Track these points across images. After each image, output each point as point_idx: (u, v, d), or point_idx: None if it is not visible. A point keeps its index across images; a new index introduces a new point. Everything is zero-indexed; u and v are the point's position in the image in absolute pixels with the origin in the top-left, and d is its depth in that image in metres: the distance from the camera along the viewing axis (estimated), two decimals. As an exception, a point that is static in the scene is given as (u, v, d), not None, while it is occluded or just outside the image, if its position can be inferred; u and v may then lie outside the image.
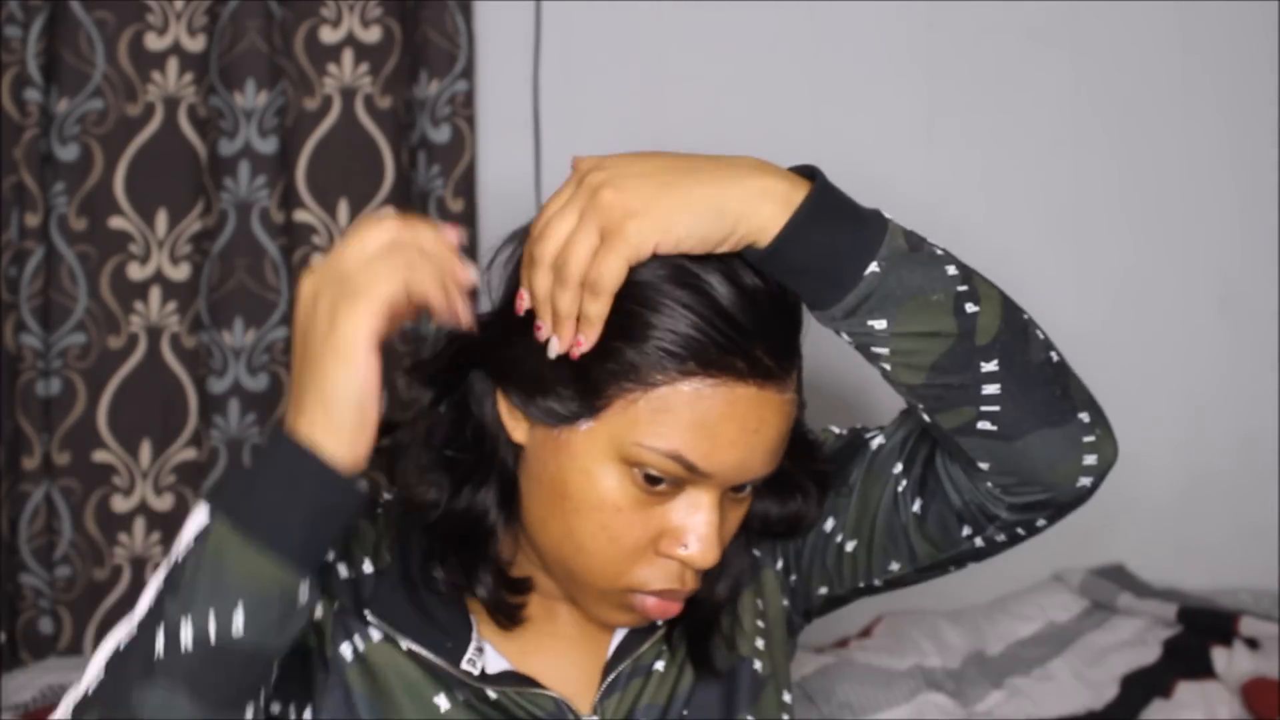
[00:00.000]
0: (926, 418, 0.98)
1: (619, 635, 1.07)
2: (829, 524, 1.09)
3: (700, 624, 1.07)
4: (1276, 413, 2.38)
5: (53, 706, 1.81)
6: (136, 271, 2.03)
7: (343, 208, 2.09)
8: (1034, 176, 2.35)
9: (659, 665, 1.07)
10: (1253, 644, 2.02)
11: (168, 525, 2.05)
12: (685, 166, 0.94)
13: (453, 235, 0.93)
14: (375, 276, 0.88)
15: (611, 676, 1.05)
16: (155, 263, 2.03)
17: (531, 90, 2.21)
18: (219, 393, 2.07)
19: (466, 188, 2.12)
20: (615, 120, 2.23)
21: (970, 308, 0.98)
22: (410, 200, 2.12)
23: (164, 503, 2.05)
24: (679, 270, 0.93)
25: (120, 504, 2.04)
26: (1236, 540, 2.36)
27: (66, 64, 1.98)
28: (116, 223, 2.02)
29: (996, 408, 0.96)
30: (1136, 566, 2.32)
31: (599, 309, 0.91)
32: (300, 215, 2.08)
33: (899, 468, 1.06)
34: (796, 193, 0.94)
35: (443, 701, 1.00)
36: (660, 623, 1.05)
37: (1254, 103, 2.37)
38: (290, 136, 2.06)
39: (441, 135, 2.11)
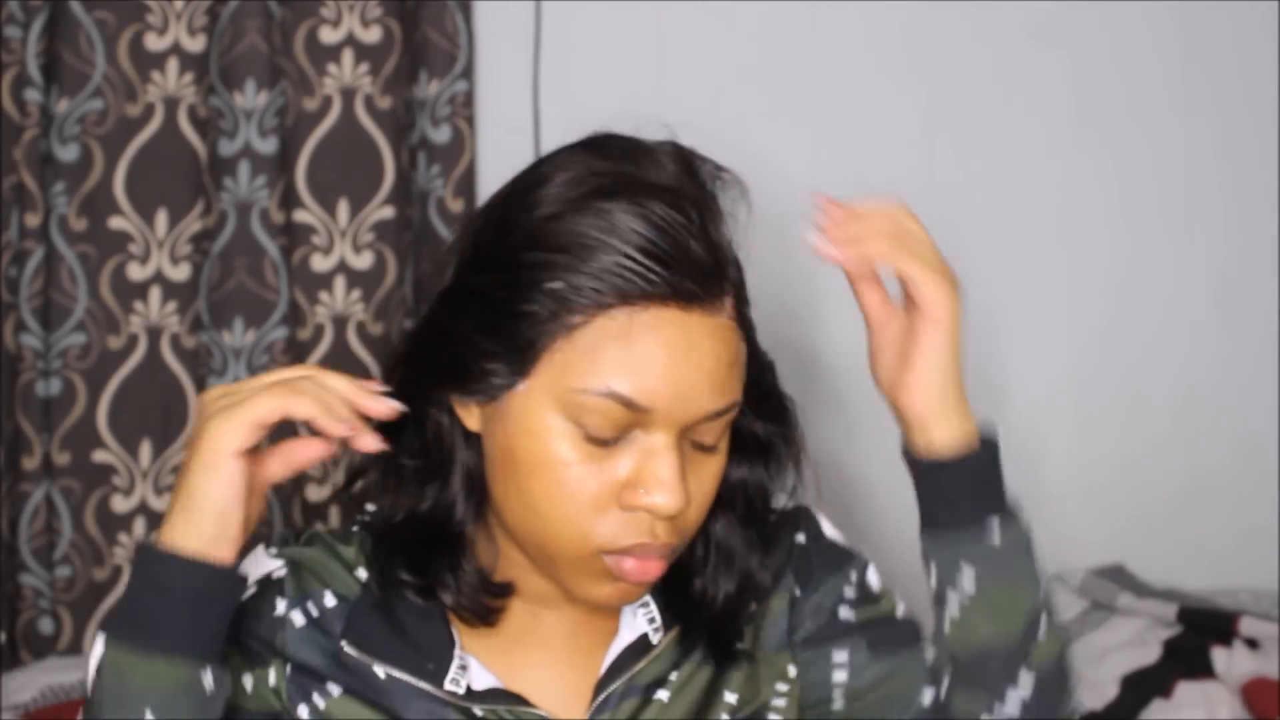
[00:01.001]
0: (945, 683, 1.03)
1: (613, 652, 1.04)
2: (840, 674, 1.11)
3: (709, 625, 1.05)
4: (1276, 412, 2.37)
5: (53, 706, 1.82)
6: (136, 271, 2.03)
7: (343, 208, 2.09)
8: (1033, 176, 2.34)
9: (662, 695, 1.04)
10: (1253, 644, 2.01)
11: (168, 525, 2.05)
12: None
13: (375, 385, 0.97)
14: (253, 395, 0.91)
15: (603, 696, 1.03)
16: (155, 263, 2.03)
17: (531, 90, 2.21)
18: (219, 393, 2.07)
19: (466, 188, 2.12)
20: (615, 120, 2.23)
21: (1041, 628, 1.01)
22: (410, 200, 2.12)
23: (164, 503, 2.05)
24: (583, 205, 0.93)
25: (120, 504, 2.04)
26: (1236, 540, 2.36)
27: (66, 64, 1.98)
28: (116, 223, 2.02)
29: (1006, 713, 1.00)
30: (1136, 566, 2.32)
31: None
32: (300, 215, 2.08)
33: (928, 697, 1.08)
34: (972, 435, 0.99)
35: None
36: (655, 636, 1.03)
37: (1253, 103, 2.37)
38: (290, 136, 2.06)
39: (441, 135, 2.11)
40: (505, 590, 1.01)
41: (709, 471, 0.97)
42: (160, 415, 2.04)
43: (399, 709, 0.98)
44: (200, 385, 2.05)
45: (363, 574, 1.03)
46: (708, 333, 0.92)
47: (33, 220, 1.98)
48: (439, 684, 0.98)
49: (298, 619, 1.01)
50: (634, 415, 0.91)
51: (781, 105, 2.27)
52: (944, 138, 2.31)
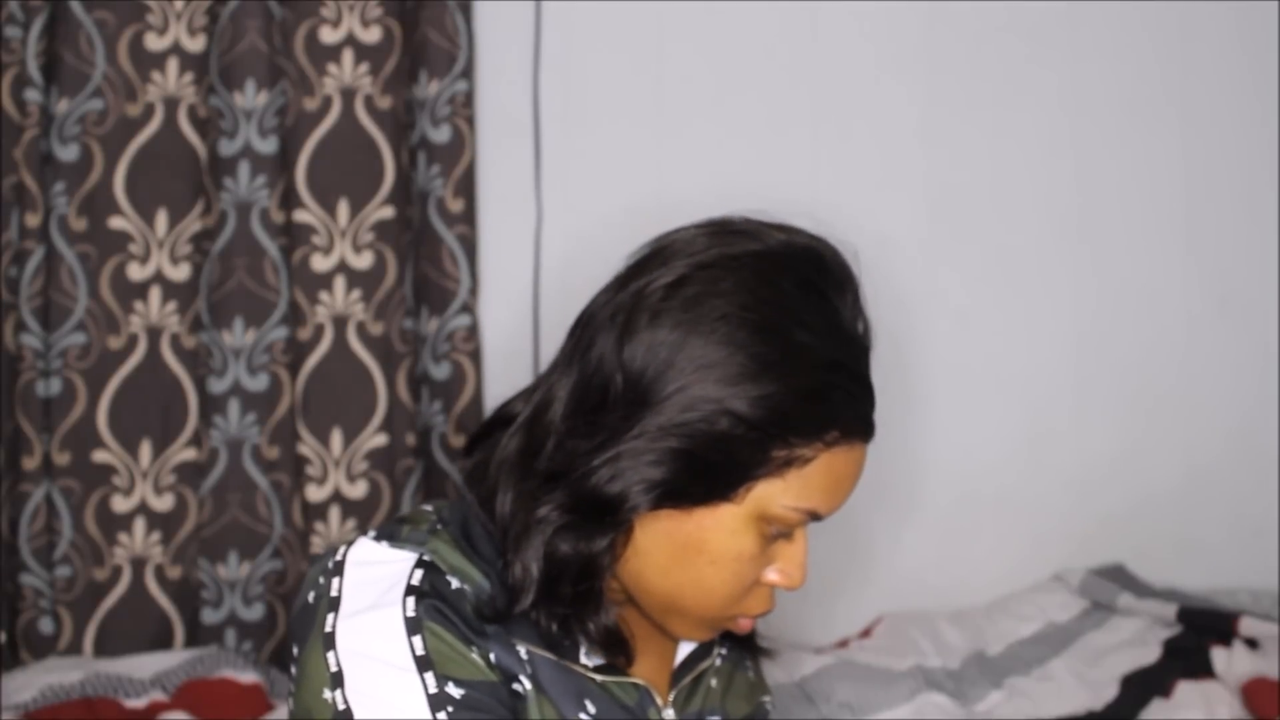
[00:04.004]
0: None
1: (685, 648, 1.14)
2: None
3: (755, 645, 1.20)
4: (1276, 413, 2.38)
5: (53, 706, 1.82)
6: (136, 271, 2.03)
7: (343, 208, 2.09)
8: (1034, 176, 2.35)
9: (713, 682, 1.17)
10: (1252, 644, 2.01)
11: (168, 525, 2.05)
12: None
13: None
14: None
15: (679, 685, 1.13)
16: (155, 263, 2.03)
17: (531, 90, 2.21)
18: (219, 393, 2.07)
19: (466, 188, 2.12)
20: (615, 120, 2.24)
21: None
22: (410, 200, 2.12)
23: (164, 503, 2.05)
24: (832, 339, 1.01)
25: (120, 504, 2.04)
26: (1236, 540, 2.36)
27: (66, 64, 1.99)
28: (116, 223, 2.02)
29: None
30: (1136, 566, 2.32)
31: None
32: (300, 215, 2.08)
33: None
34: None
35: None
36: (716, 644, 1.17)
37: (1254, 103, 2.37)
38: (290, 136, 2.06)
39: (441, 135, 2.11)
40: (628, 643, 1.08)
41: None
42: (160, 415, 2.04)
43: (550, 679, 1.04)
44: (200, 385, 2.05)
45: (476, 573, 1.05)
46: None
47: (33, 220, 1.98)
48: (576, 659, 1.05)
49: (470, 592, 1.02)
50: (810, 520, 1.04)
51: (781, 107, 2.27)
52: (944, 138, 2.31)
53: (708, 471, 0.99)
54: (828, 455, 1.00)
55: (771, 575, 1.04)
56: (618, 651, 1.05)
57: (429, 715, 0.93)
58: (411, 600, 0.97)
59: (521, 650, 1.02)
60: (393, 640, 0.95)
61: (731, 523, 1.01)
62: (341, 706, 0.94)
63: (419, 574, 0.99)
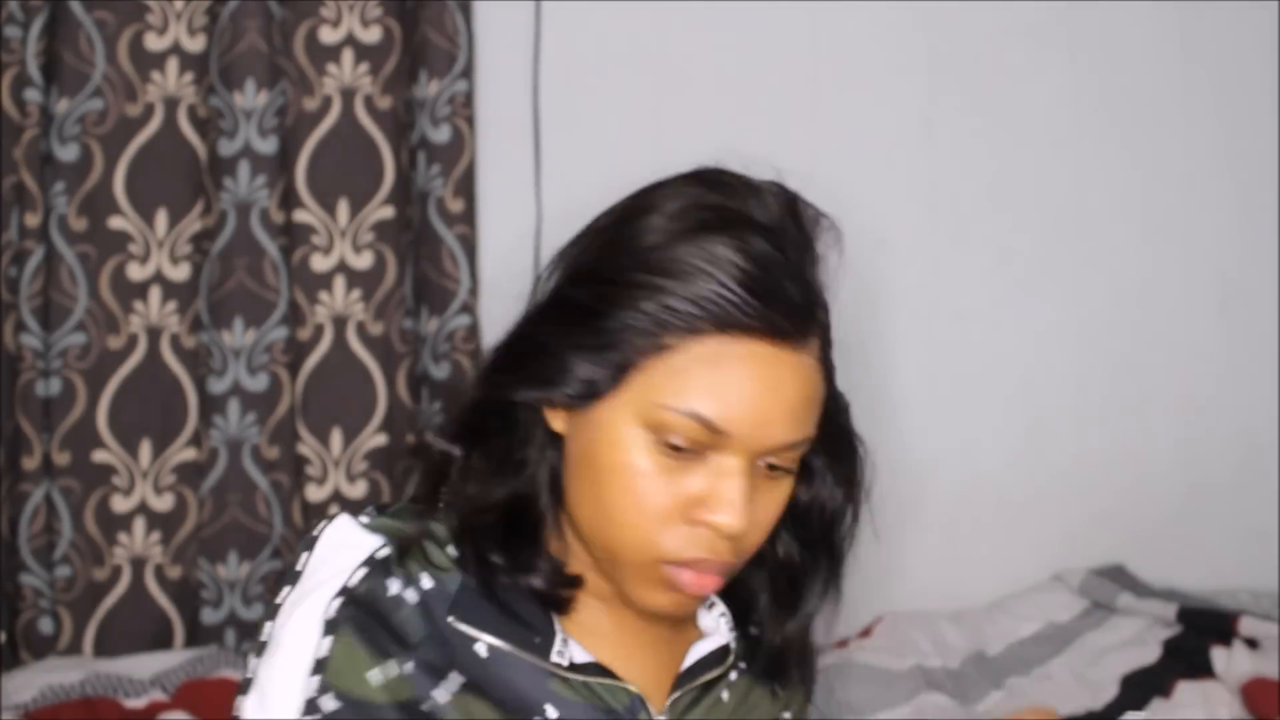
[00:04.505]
0: None
1: (696, 653, 1.08)
2: None
3: (771, 663, 1.10)
4: (1276, 413, 2.38)
5: (53, 706, 1.82)
6: (136, 271, 2.03)
7: (343, 208, 2.09)
8: (1034, 176, 2.35)
9: (725, 695, 1.10)
10: (1252, 644, 2.02)
11: (168, 525, 2.05)
12: None
13: None
14: None
15: (679, 692, 1.07)
16: (155, 263, 2.03)
17: (531, 90, 2.21)
18: (219, 393, 2.07)
19: (466, 188, 2.12)
20: (615, 120, 2.23)
21: None
22: (410, 200, 2.12)
23: (164, 503, 2.05)
24: (689, 235, 0.97)
25: (120, 504, 2.04)
26: (1236, 540, 2.36)
27: (66, 64, 1.98)
28: (116, 223, 2.02)
29: None
30: (1136, 566, 2.32)
31: None
32: (300, 215, 2.08)
33: None
34: None
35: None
36: (731, 650, 1.08)
37: (1254, 103, 2.37)
38: (290, 136, 2.06)
39: (441, 135, 2.11)
40: (576, 581, 1.05)
41: (774, 498, 1.00)
42: (160, 415, 2.04)
43: (507, 679, 1.01)
44: (200, 385, 2.05)
45: (452, 551, 1.04)
46: (792, 368, 0.97)
47: (33, 220, 1.98)
48: (545, 656, 1.02)
49: (411, 597, 1.01)
50: (712, 437, 0.96)
51: (781, 105, 2.27)
52: (944, 137, 2.31)
53: (549, 351, 0.98)
54: (700, 348, 0.94)
55: (697, 511, 0.96)
56: (564, 587, 1.02)
57: (297, 718, 0.94)
58: (338, 603, 0.97)
59: (481, 648, 1.01)
60: (307, 633, 0.97)
61: (616, 426, 0.97)
62: (249, 675, 0.98)
63: (360, 574, 0.99)
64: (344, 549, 1.01)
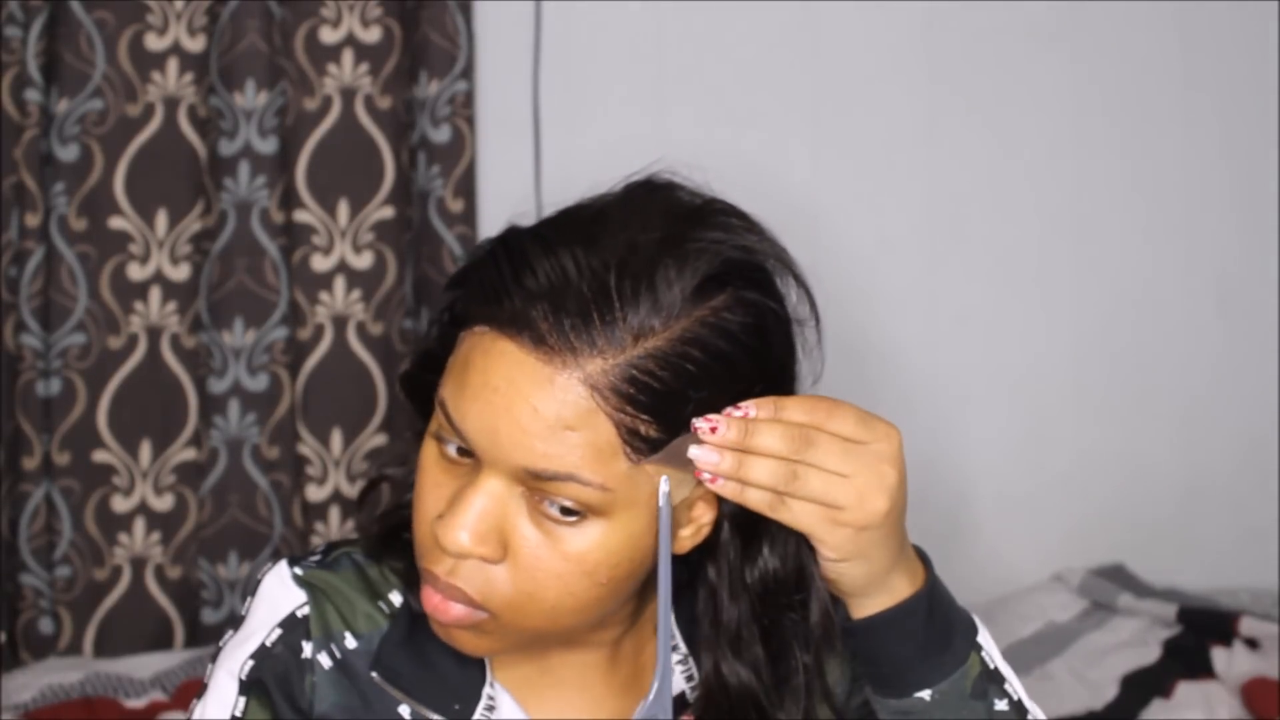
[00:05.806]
0: None
1: (643, 707, 0.93)
2: None
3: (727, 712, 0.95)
4: (1276, 413, 2.38)
5: (53, 706, 1.82)
6: (136, 271, 2.03)
7: (343, 208, 2.09)
8: (1034, 177, 2.35)
9: None
10: (1253, 644, 2.01)
11: (168, 525, 2.05)
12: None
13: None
14: None
15: None
16: (155, 263, 2.03)
17: (531, 90, 2.21)
18: (219, 393, 2.07)
19: (466, 188, 2.12)
20: (615, 120, 2.23)
21: None
22: (410, 200, 2.12)
23: (164, 503, 2.05)
24: (528, 232, 0.93)
25: (120, 504, 2.04)
26: (1236, 540, 2.36)
27: (66, 64, 1.98)
28: (116, 223, 2.02)
29: None
30: (1136, 566, 2.32)
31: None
32: (300, 215, 2.08)
33: None
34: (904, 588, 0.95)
35: None
36: (688, 701, 0.97)
37: (1254, 103, 2.37)
38: (290, 136, 2.06)
39: (441, 135, 2.11)
40: None
41: (558, 549, 0.87)
42: (160, 415, 2.04)
43: None
44: (200, 385, 2.05)
45: (396, 598, 0.98)
46: (540, 383, 0.84)
47: (33, 220, 1.98)
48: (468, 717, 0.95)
49: (324, 661, 0.97)
50: (463, 440, 0.87)
51: (781, 105, 2.27)
52: (944, 138, 2.31)
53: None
54: (471, 338, 0.87)
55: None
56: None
57: None
58: (250, 665, 0.96)
59: (405, 710, 0.96)
60: (228, 689, 0.96)
61: (431, 425, 0.91)
62: (189, 716, 0.97)
63: (276, 635, 0.96)
64: (269, 603, 0.98)
